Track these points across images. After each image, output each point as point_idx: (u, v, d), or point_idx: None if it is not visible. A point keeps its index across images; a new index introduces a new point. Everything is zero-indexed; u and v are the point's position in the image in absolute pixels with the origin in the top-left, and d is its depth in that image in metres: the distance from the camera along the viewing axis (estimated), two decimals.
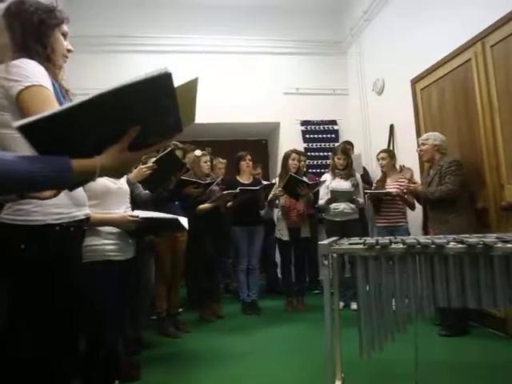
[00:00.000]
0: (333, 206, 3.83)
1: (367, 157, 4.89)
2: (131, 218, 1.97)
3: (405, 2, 4.05)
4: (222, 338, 3.15)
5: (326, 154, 5.18)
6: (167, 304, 3.25)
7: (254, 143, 6.00)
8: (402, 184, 3.48)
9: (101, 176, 0.83)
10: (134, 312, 2.80)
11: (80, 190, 1.34)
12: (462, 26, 3.18)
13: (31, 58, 1.19)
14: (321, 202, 3.93)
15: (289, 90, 5.27)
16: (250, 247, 3.92)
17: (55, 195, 1.06)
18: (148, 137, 0.83)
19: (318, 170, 5.10)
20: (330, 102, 5.33)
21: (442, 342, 2.77)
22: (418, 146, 3.21)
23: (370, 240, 1.76)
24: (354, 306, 3.68)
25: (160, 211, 2.46)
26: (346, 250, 1.70)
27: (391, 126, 4.44)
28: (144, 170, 2.52)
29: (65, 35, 1.34)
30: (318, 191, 3.98)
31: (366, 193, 3.89)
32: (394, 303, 1.64)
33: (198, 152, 3.72)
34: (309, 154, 5.17)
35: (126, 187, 2.16)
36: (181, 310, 3.56)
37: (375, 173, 4.53)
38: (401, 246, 1.61)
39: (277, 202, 3.99)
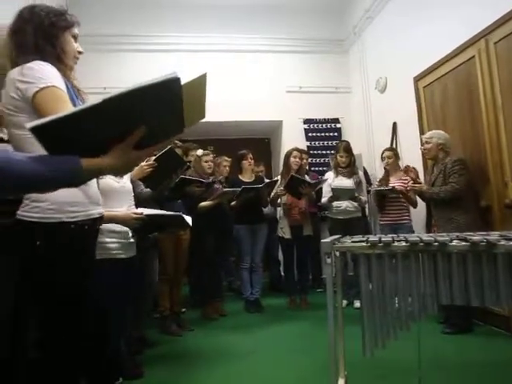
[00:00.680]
0: (335, 204, 3.83)
1: (370, 155, 4.88)
2: (135, 215, 1.98)
3: (406, 0, 4.03)
4: (225, 336, 3.16)
5: (328, 152, 5.17)
6: (170, 302, 3.26)
7: (256, 141, 6.00)
8: (406, 182, 3.48)
9: (107, 174, 0.86)
10: (137, 310, 2.81)
11: (95, 188, 1.36)
12: (464, 24, 3.16)
13: (44, 59, 1.23)
14: (323, 199, 3.92)
15: (291, 88, 5.26)
16: (254, 245, 3.92)
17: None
18: (152, 137, 0.85)
19: (321, 168, 5.11)
20: (332, 101, 5.32)
21: (445, 340, 2.76)
22: (422, 144, 3.20)
23: (372, 238, 1.76)
24: (356, 304, 3.68)
25: (162, 209, 2.46)
26: (348, 248, 1.69)
27: (394, 124, 4.43)
28: (145, 167, 2.53)
29: (75, 37, 1.38)
30: (320, 189, 3.98)
31: (370, 190, 3.88)
32: (396, 301, 1.64)
33: (199, 152, 3.73)
34: (311, 152, 5.17)
35: (130, 186, 2.17)
36: (184, 310, 3.57)
37: (378, 171, 4.52)
38: (403, 243, 1.61)
39: (279, 200, 4.00)
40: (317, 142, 5.29)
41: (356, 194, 3.75)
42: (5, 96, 1.23)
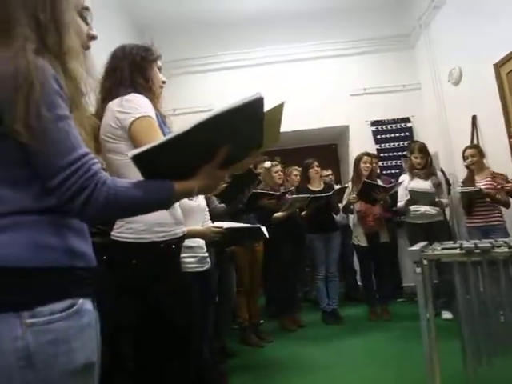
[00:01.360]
0: (413, 207, 3.61)
1: (447, 154, 4.54)
2: (216, 228, 2.04)
3: None
4: (305, 348, 3.11)
5: (399, 153, 4.91)
6: (248, 314, 3.30)
7: (323, 148, 5.92)
8: (496, 180, 3.14)
9: (196, 196, 0.90)
10: (218, 321, 2.88)
11: (179, 209, 1.44)
12: None
13: (138, 91, 1.36)
14: (399, 204, 3.72)
15: (356, 91, 5.12)
16: (328, 254, 3.84)
17: None
18: (234, 155, 0.87)
19: (393, 171, 4.87)
20: (400, 99, 5.07)
21: None
22: (510, 136, 2.90)
23: (466, 244, 1.61)
24: (445, 315, 3.42)
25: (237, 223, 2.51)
26: (440, 256, 1.57)
27: (473, 118, 4.07)
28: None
29: (159, 69, 1.52)
30: (395, 193, 3.78)
31: (451, 191, 3.58)
32: (502, 314, 1.48)
33: (267, 164, 3.76)
34: (382, 155, 4.95)
35: (204, 204, 2.25)
36: (262, 321, 3.59)
37: (458, 170, 4.18)
38: (506, 249, 1.45)
39: (351, 207, 3.87)
40: (387, 144, 5.06)
41: (436, 199, 3.48)
42: (104, 125, 1.35)
